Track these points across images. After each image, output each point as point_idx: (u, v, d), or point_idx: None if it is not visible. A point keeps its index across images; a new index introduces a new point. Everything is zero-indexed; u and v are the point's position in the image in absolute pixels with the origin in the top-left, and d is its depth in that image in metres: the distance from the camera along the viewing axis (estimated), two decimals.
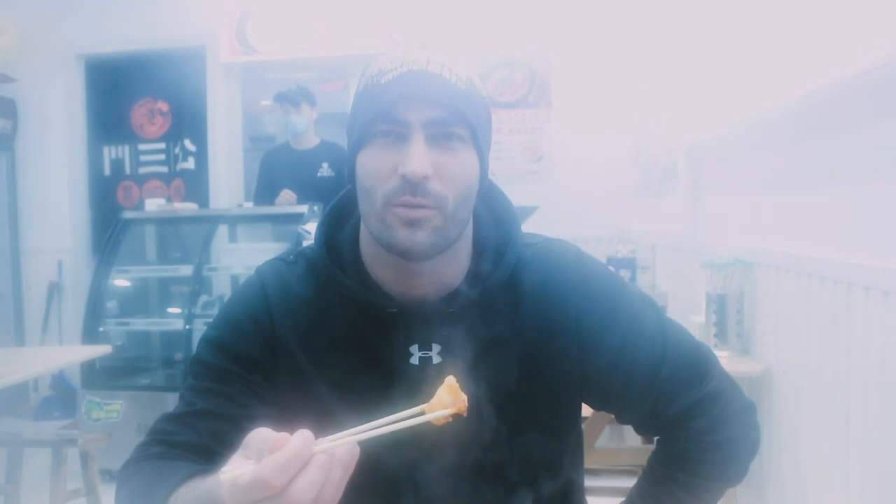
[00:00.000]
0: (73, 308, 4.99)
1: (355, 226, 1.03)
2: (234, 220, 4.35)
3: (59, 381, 4.94)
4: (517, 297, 1.00)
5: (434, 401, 0.73)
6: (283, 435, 0.63)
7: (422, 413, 0.71)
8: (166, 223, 4.41)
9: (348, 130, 0.98)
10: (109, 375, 3.84)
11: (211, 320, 1.07)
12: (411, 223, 0.90)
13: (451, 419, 0.72)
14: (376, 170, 0.91)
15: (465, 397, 0.72)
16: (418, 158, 0.89)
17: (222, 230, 4.44)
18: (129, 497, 0.92)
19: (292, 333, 1.00)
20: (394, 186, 0.90)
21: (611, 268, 1.12)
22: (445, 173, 0.91)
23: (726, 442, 1.03)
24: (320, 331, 1.00)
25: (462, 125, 0.92)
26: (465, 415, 0.72)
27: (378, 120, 0.91)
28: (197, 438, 0.95)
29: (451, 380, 0.73)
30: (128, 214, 4.15)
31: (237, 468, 0.63)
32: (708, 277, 2.52)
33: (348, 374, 0.98)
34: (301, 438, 0.63)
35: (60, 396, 4.89)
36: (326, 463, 0.62)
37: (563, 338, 1.00)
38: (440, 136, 0.91)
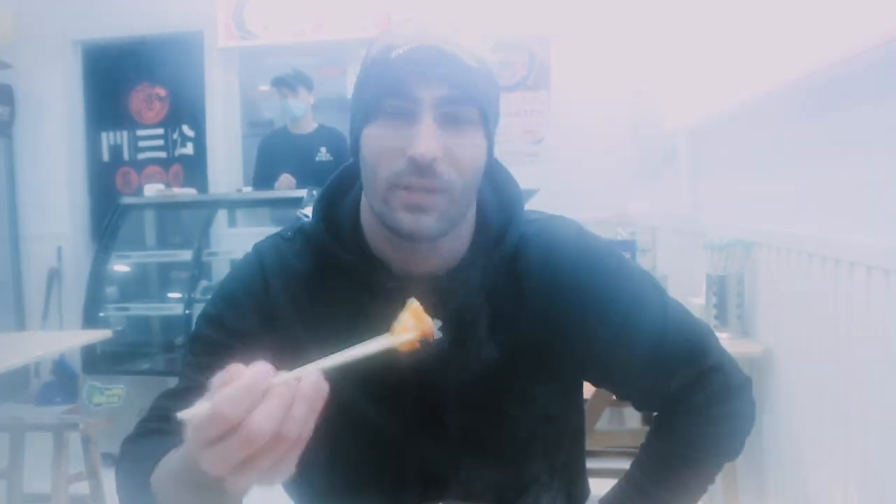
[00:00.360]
0: (74, 294, 4.98)
1: (356, 199, 1.02)
2: (233, 205, 4.35)
3: (60, 366, 4.95)
4: (519, 273, 1.00)
5: (397, 325, 0.70)
6: (239, 367, 0.61)
7: (388, 340, 0.70)
8: (165, 208, 4.41)
9: (353, 104, 0.96)
10: (110, 360, 3.84)
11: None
12: (416, 207, 0.90)
13: (417, 345, 0.70)
14: (383, 148, 0.90)
15: (430, 321, 0.70)
16: (428, 140, 0.87)
17: (221, 215, 4.44)
18: (126, 472, 0.93)
19: (291, 308, 0.99)
20: (400, 167, 0.89)
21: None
22: (455, 156, 0.90)
23: (726, 416, 1.04)
24: (319, 305, 0.99)
25: (473, 105, 0.91)
26: (430, 339, 0.70)
27: (387, 96, 0.89)
28: None
29: (414, 303, 0.71)
30: (127, 200, 4.14)
31: (195, 407, 0.61)
32: (708, 258, 2.52)
33: (345, 345, 0.97)
34: (256, 369, 0.61)
35: (62, 382, 4.90)
36: (286, 395, 0.60)
37: (565, 314, 1.00)
38: (450, 116, 0.89)
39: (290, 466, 0.61)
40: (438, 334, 0.73)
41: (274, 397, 0.60)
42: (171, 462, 0.80)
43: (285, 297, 1.00)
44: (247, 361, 0.97)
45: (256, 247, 1.06)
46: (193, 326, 1.04)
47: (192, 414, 0.60)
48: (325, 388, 0.62)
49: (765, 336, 2.33)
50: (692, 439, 1.05)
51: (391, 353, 0.95)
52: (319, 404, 0.62)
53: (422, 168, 0.87)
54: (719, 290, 2.46)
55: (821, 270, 1.91)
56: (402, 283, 0.96)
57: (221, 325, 1.00)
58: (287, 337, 0.99)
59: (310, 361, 0.97)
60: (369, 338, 0.95)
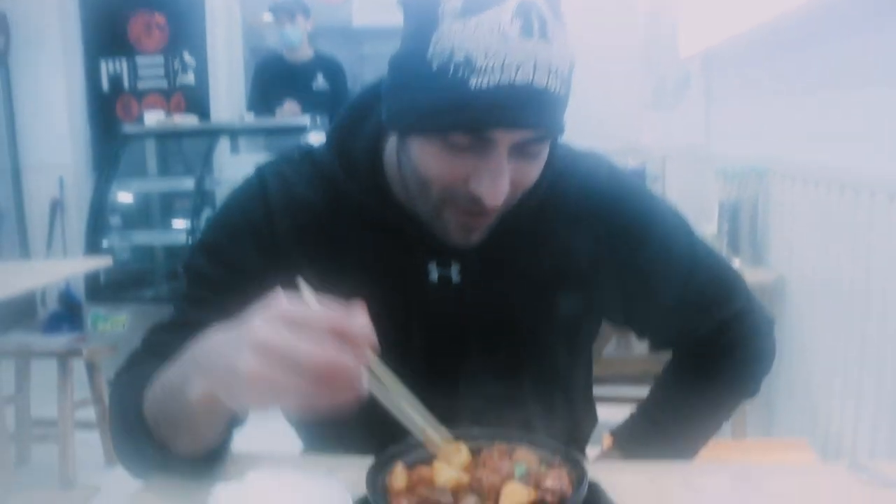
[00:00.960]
0: (77, 224, 4.95)
1: (373, 135, 0.93)
2: (235, 133, 4.29)
3: (66, 295, 4.97)
4: (546, 214, 0.94)
5: (446, 448, 0.74)
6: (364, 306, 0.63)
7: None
8: (167, 137, 4.36)
9: (400, 86, 0.82)
10: (114, 289, 3.86)
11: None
12: (469, 228, 0.85)
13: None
14: (443, 171, 0.80)
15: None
16: (502, 188, 0.79)
17: (224, 142, 4.38)
18: (119, 399, 0.88)
19: (295, 240, 0.92)
20: (460, 195, 0.81)
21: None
22: (520, 182, 0.83)
23: (750, 357, 1.04)
24: (326, 238, 0.93)
25: (553, 136, 0.82)
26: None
27: (458, 130, 0.77)
28: None
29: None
30: (128, 129, 4.09)
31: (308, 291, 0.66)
32: (721, 186, 2.47)
33: (357, 289, 0.90)
34: (369, 332, 0.61)
35: (67, 311, 4.92)
36: (352, 362, 0.59)
37: (595, 253, 0.96)
38: (526, 152, 0.81)
39: (291, 398, 0.60)
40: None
41: (344, 350, 0.60)
42: (168, 371, 0.77)
43: (289, 227, 0.93)
44: (244, 297, 0.94)
45: (259, 169, 0.98)
46: (189, 254, 0.97)
47: (306, 293, 0.64)
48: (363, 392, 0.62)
49: (777, 264, 2.30)
50: (714, 378, 1.04)
51: (406, 298, 0.90)
52: (351, 395, 0.61)
53: (487, 208, 0.80)
54: (732, 217, 2.42)
55: (839, 198, 1.86)
56: (423, 226, 0.89)
57: (218, 257, 0.93)
58: (289, 271, 0.90)
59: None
60: (382, 287, 0.91)
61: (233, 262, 0.92)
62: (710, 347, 1.03)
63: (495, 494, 0.68)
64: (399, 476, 0.71)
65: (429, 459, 0.75)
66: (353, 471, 0.73)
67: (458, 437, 0.76)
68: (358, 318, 0.61)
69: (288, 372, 0.58)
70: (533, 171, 0.84)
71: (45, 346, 2.85)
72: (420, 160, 0.81)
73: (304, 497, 0.64)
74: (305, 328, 0.59)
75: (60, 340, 2.92)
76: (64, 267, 3.38)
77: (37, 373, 2.98)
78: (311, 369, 0.58)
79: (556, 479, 0.69)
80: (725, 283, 1.03)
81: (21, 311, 4.89)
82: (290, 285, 0.91)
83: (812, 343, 2.06)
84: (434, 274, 0.92)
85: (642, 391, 1.82)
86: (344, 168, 0.92)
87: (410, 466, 0.74)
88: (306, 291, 0.66)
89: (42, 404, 2.94)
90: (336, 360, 0.58)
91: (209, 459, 0.81)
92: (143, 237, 4.18)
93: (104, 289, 3.81)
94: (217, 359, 0.65)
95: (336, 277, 0.91)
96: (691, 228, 1.03)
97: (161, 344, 0.91)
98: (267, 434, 1.33)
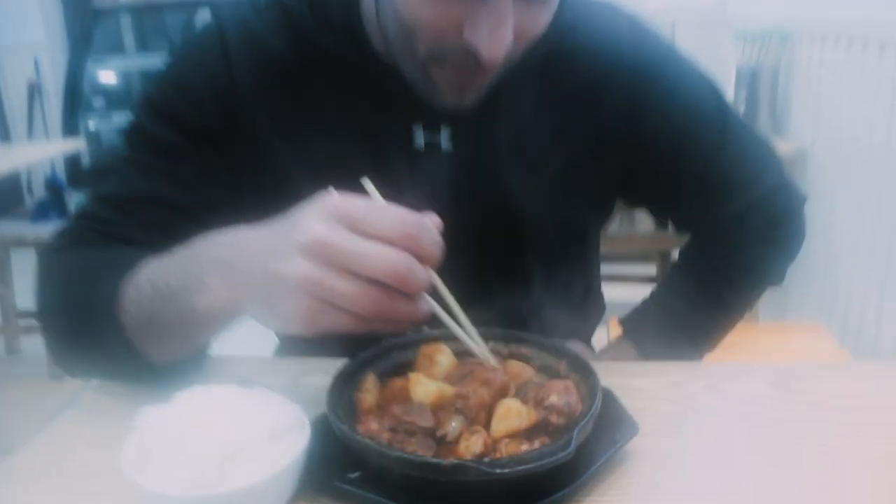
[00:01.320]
0: (56, 108, 4.74)
1: None
2: (217, 4, 4.03)
3: (52, 182, 4.83)
4: (553, 73, 0.80)
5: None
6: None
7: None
8: (144, 11, 4.11)
9: None
10: (97, 173, 3.71)
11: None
12: (463, 87, 0.71)
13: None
14: (430, 19, 0.66)
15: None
16: (502, 41, 0.64)
17: (205, 15, 4.12)
18: (74, 298, 0.73)
19: (259, 99, 0.79)
20: (452, 48, 0.66)
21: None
22: (525, 33, 0.68)
23: (781, 239, 0.95)
24: (297, 97, 0.79)
25: None
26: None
27: None
28: (139, 232, 0.76)
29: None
30: (100, 3, 3.84)
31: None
32: (739, 50, 2.28)
33: (330, 155, 0.79)
34: (440, 241, 0.51)
35: (54, 198, 4.80)
36: (421, 272, 0.50)
37: (608, 124, 0.82)
38: None
39: (342, 312, 0.50)
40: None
41: (429, 263, 0.51)
42: (165, 269, 0.64)
43: (253, 83, 0.78)
44: (200, 163, 0.79)
45: (217, 16, 0.82)
46: (133, 113, 0.82)
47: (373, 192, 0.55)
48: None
49: (799, 133, 2.16)
50: (739, 263, 0.94)
51: (387, 166, 0.76)
52: (410, 312, 0.52)
53: (484, 64, 0.65)
54: (750, 84, 2.23)
55: (875, 59, 1.70)
56: (405, 84, 0.74)
57: (168, 115, 0.79)
58: (252, 134, 0.79)
59: (280, 166, 0.78)
60: (360, 153, 0.77)
61: (186, 124, 0.78)
62: (736, 228, 0.92)
63: (486, 415, 0.55)
64: (370, 392, 0.59)
65: (406, 368, 0.62)
66: (326, 376, 0.60)
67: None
68: (429, 223, 0.52)
69: (345, 278, 0.49)
70: (541, 20, 0.69)
71: (26, 236, 2.73)
72: (403, 5, 0.66)
73: (244, 422, 0.51)
74: (368, 228, 0.50)
75: (47, 229, 2.81)
76: (36, 150, 3.22)
77: (17, 263, 2.89)
78: (375, 274, 0.49)
79: (562, 394, 0.56)
80: (758, 156, 0.91)
81: (8, 199, 4.79)
82: (249, 149, 0.79)
83: (834, 221, 1.93)
84: (420, 140, 0.79)
85: (647, 269, 1.71)
86: (316, 15, 0.77)
87: (385, 377, 0.61)
88: (372, 192, 0.55)
89: (27, 296, 2.87)
90: (405, 265, 0.49)
91: (182, 367, 0.70)
92: (124, 119, 4.00)
93: (87, 174, 3.67)
94: (253, 262, 0.54)
95: (308, 141, 0.79)
96: (722, 94, 0.89)
97: (104, 222, 0.78)
98: (238, 333, 1.22)
